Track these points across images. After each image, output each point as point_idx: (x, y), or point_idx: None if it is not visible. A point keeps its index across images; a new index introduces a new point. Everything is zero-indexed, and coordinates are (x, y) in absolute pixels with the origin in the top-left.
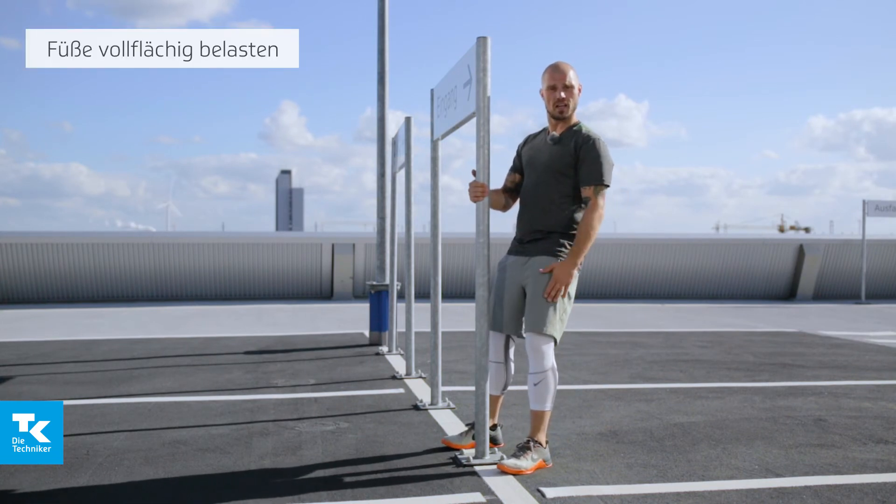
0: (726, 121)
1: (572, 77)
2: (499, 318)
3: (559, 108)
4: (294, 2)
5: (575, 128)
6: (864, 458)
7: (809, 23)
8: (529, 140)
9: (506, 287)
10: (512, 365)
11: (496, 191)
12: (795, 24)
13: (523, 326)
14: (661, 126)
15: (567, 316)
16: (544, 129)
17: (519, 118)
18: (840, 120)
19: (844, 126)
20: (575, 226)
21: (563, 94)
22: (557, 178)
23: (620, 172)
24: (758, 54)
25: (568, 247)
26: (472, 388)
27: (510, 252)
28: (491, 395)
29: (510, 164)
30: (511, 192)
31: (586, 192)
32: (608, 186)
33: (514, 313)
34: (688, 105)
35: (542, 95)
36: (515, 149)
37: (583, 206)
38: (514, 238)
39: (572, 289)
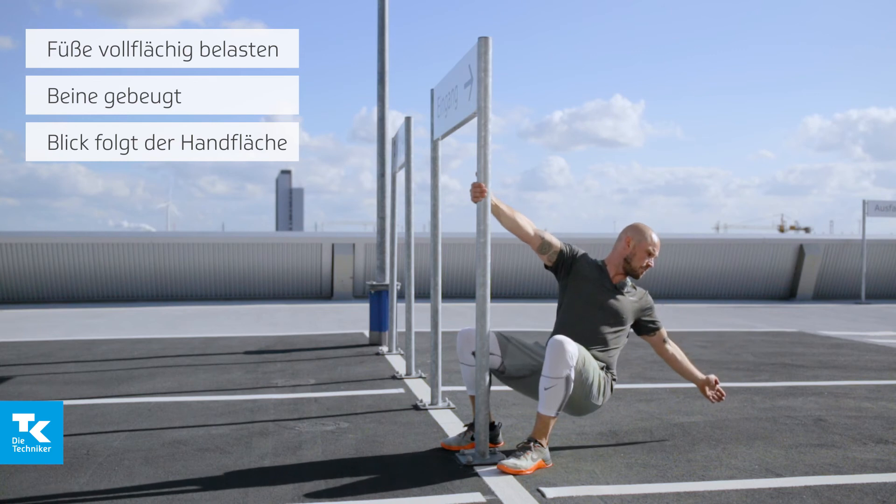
0: (722, 120)
1: None
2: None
3: (643, 271)
4: (287, 2)
5: (630, 283)
6: (864, 458)
7: (805, 22)
8: (582, 260)
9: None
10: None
11: (512, 210)
12: (791, 24)
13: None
14: (657, 126)
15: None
16: (599, 265)
17: (514, 118)
18: (836, 120)
19: (840, 126)
20: (602, 348)
21: (652, 263)
22: (609, 316)
23: (617, 172)
24: (753, 54)
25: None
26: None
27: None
28: (472, 396)
29: (506, 163)
30: (532, 229)
31: (662, 333)
32: None
33: (522, 375)
34: (683, 105)
35: (629, 245)
36: (570, 251)
37: (624, 339)
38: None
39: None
